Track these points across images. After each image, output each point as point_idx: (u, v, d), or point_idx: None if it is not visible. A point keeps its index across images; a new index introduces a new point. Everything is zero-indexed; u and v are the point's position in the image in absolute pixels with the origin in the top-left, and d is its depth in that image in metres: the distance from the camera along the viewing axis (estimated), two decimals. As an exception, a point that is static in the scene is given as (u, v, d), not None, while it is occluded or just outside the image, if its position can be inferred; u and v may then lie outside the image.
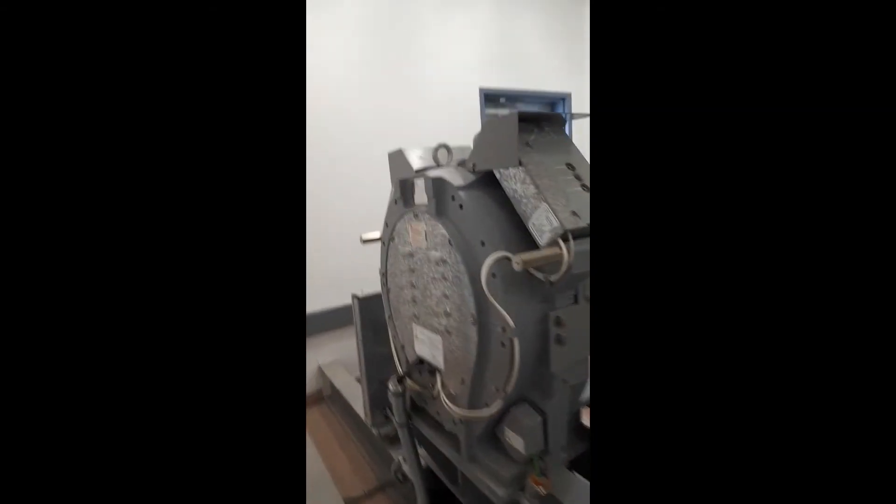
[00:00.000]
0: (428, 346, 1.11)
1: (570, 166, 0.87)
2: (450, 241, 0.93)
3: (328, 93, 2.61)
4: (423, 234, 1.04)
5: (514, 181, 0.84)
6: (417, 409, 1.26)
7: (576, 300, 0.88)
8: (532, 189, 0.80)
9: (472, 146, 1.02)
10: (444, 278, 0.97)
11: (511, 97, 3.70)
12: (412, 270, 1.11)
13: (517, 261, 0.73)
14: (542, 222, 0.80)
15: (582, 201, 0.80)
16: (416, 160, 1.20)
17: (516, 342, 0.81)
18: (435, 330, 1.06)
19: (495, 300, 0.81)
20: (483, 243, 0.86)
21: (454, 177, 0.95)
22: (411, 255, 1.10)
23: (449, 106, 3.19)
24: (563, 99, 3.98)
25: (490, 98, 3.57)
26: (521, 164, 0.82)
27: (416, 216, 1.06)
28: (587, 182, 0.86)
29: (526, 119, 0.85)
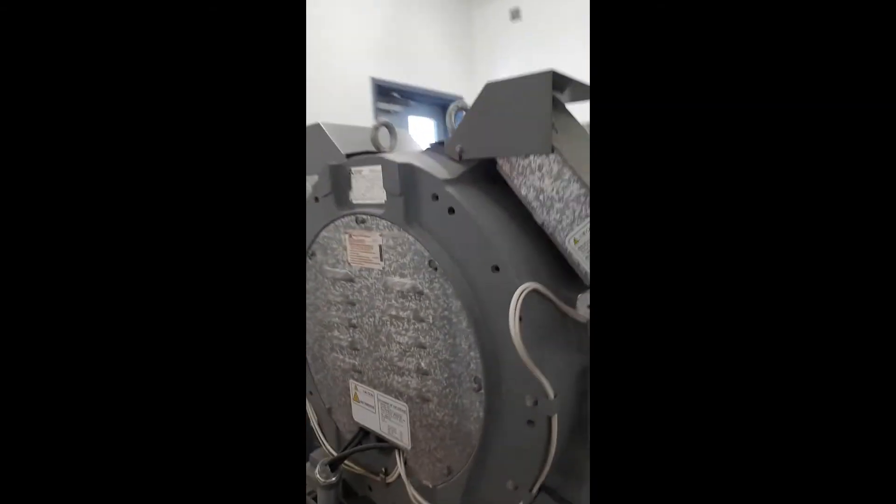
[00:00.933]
0: (380, 414, 0.75)
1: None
2: (431, 264, 0.61)
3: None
4: (375, 249, 0.69)
5: (541, 177, 0.57)
6: (352, 494, 0.88)
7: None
8: (576, 189, 0.54)
9: (448, 124, 0.71)
10: (419, 319, 0.64)
11: (405, 93, 3.45)
12: (351, 303, 0.75)
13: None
14: (596, 237, 0.54)
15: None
16: (341, 142, 0.83)
17: (555, 421, 0.54)
18: (396, 393, 0.71)
19: (528, 357, 0.52)
20: (496, 268, 0.56)
21: (433, 166, 0.63)
22: (350, 279, 0.74)
23: (337, 95, 2.77)
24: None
25: (382, 91, 3.25)
26: (553, 150, 0.55)
27: (360, 221, 0.70)
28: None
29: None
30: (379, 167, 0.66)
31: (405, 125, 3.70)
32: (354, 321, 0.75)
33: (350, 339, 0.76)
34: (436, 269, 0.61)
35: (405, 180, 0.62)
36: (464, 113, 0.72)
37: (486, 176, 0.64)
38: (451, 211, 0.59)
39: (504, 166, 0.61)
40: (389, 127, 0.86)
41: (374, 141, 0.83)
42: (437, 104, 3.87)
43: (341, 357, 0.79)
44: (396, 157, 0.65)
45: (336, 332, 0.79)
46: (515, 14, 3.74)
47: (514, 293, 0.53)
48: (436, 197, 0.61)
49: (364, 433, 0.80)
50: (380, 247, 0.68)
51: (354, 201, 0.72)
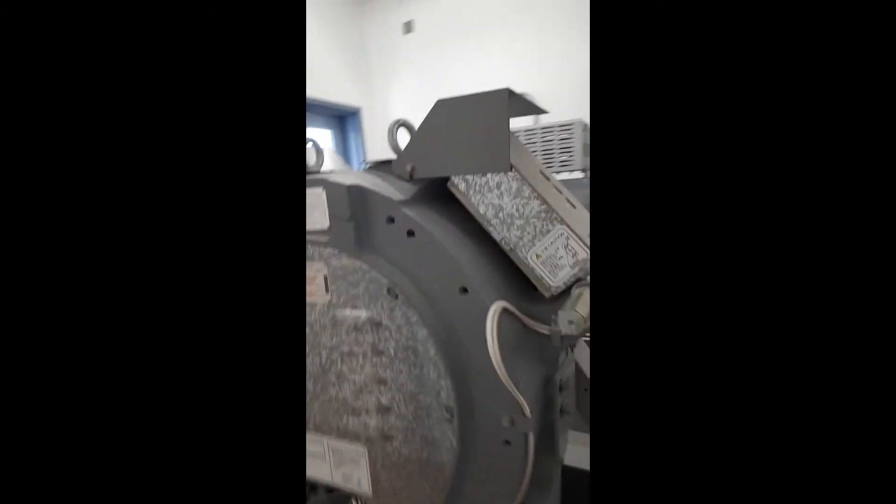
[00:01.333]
0: (331, 462, 0.67)
1: (545, 175, 0.66)
2: (390, 292, 0.57)
3: None
4: (319, 281, 0.61)
5: (499, 194, 0.57)
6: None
7: (566, 352, 0.67)
8: (536, 205, 0.55)
9: (396, 142, 0.68)
10: (378, 352, 0.59)
11: (298, 101, 3.23)
12: (290, 343, 0.65)
13: (575, 319, 0.47)
14: (559, 253, 0.55)
15: (582, 222, 0.60)
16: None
17: (531, 437, 0.54)
18: (351, 436, 0.64)
19: (508, 378, 0.51)
20: (465, 290, 0.54)
21: (384, 187, 0.59)
22: (288, 317, 0.65)
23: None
24: (354, 113, 3.78)
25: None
26: (511, 168, 0.55)
27: (299, 252, 0.62)
28: (570, 197, 0.67)
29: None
30: (321, 190, 0.59)
31: (300, 136, 3.49)
32: (295, 362, 0.66)
33: (290, 384, 0.67)
34: (396, 296, 0.56)
35: (355, 203, 0.57)
36: (405, 130, 0.70)
37: (436, 195, 0.62)
38: (411, 233, 0.56)
39: (459, 184, 0.59)
40: (315, 145, 0.79)
41: (301, 158, 0.75)
42: (334, 115, 3.72)
43: (279, 405, 0.69)
44: (342, 177, 0.59)
45: (271, 377, 0.68)
46: (408, 27, 3.79)
47: (484, 314, 0.52)
48: (391, 220, 0.57)
49: (310, 487, 0.71)
50: (325, 277, 0.61)
51: (288, 227, 0.63)
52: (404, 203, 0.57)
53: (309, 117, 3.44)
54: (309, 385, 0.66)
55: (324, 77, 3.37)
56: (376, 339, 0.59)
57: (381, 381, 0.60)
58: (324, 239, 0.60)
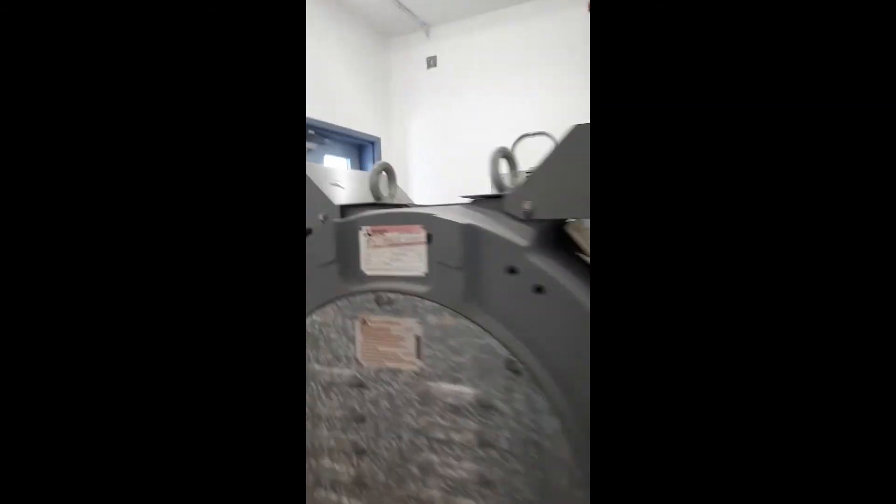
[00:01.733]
0: (401, 582, 0.51)
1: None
2: (511, 365, 0.43)
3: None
4: (408, 342, 0.48)
5: (651, 244, 0.45)
6: None
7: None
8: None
9: (498, 175, 0.56)
10: (485, 444, 0.45)
11: (320, 130, 3.21)
12: (359, 420, 0.51)
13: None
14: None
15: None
16: (328, 189, 0.62)
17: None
18: (434, 551, 0.49)
19: None
20: (616, 371, 0.41)
21: (499, 229, 0.47)
22: (360, 385, 0.51)
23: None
24: (373, 143, 3.75)
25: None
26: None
27: (385, 302, 0.49)
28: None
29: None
30: (418, 228, 0.47)
31: (321, 163, 3.43)
32: (365, 445, 0.51)
33: (354, 472, 0.52)
34: (518, 372, 0.43)
35: (468, 247, 0.45)
36: (505, 160, 0.58)
37: (552, 240, 0.50)
38: (539, 290, 0.43)
39: (586, 227, 0.47)
40: (389, 170, 0.67)
41: (374, 189, 0.63)
42: (354, 144, 3.68)
43: (335, 498, 0.54)
44: (449, 214, 0.47)
45: (328, 461, 0.54)
46: (431, 61, 3.83)
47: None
48: (513, 270, 0.44)
49: None
50: (417, 339, 0.47)
51: (368, 272, 0.51)
52: (529, 250, 0.44)
53: (329, 145, 3.40)
54: (380, 475, 0.51)
55: (346, 106, 3.36)
56: (484, 426, 0.45)
57: (487, 484, 0.45)
58: (419, 289, 0.47)
